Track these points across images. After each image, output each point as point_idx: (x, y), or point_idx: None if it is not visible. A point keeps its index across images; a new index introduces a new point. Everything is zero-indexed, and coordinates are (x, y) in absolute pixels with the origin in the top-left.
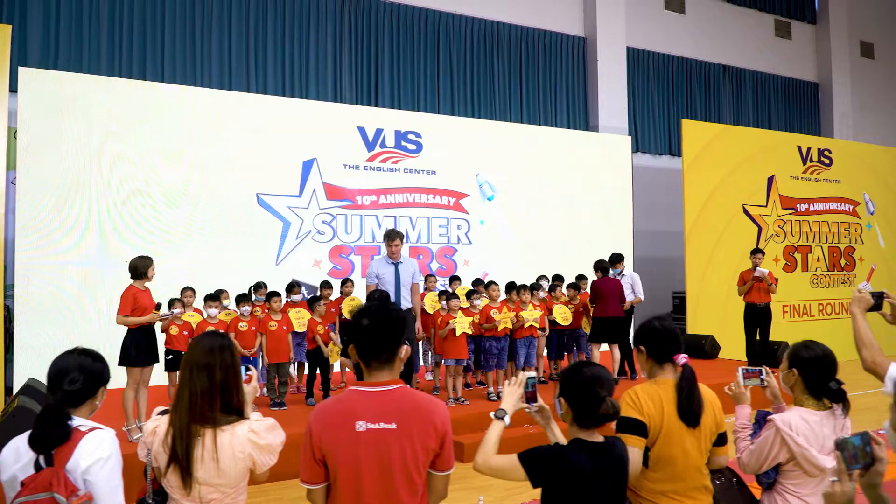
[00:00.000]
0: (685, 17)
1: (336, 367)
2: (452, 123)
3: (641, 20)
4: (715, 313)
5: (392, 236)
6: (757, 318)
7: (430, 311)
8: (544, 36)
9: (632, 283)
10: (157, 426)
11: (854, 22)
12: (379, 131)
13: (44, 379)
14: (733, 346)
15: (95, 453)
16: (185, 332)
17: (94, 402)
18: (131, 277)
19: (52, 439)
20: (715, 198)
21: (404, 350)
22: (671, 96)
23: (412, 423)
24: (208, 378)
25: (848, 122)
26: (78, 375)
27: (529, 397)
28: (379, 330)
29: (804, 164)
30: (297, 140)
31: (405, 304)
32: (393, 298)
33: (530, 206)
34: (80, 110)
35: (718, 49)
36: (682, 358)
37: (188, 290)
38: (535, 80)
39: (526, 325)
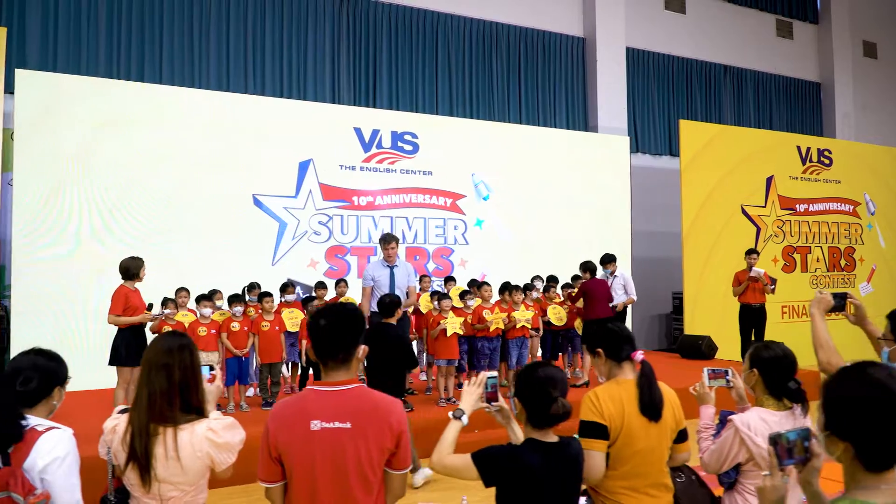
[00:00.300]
0: (685, 17)
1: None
2: (449, 124)
3: (641, 20)
4: (712, 314)
5: (388, 240)
6: (752, 318)
7: (424, 312)
8: (543, 36)
9: (624, 284)
10: (116, 424)
11: (856, 21)
12: (375, 132)
13: None
14: (731, 346)
15: (52, 452)
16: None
17: (50, 402)
18: (122, 278)
19: (6, 439)
20: (713, 198)
21: (362, 350)
22: (671, 97)
23: (367, 423)
24: (167, 378)
25: (850, 122)
26: (32, 374)
27: (490, 397)
28: (335, 330)
29: (803, 164)
30: (294, 141)
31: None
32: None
33: (528, 206)
34: (77, 111)
35: (719, 49)
36: (639, 355)
37: (182, 291)
38: (533, 80)
39: (518, 326)
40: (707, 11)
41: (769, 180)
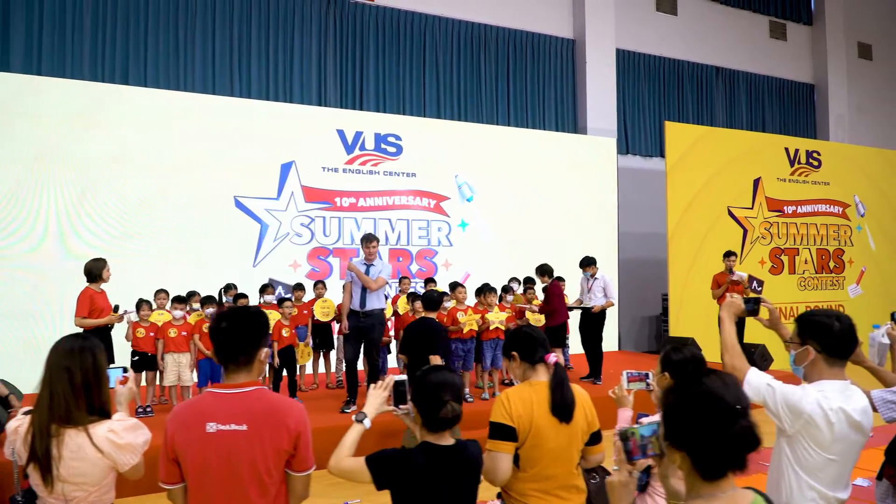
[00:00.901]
0: (677, 19)
1: (308, 369)
2: (433, 126)
3: (632, 22)
4: (698, 315)
5: (369, 239)
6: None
7: (401, 313)
8: (532, 38)
9: (604, 287)
10: (19, 426)
11: (851, 23)
12: (358, 134)
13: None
14: (716, 348)
15: None
16: (152, 334)
17: None
18: (87, 280)
19: None
20: (699, 200)
21: (264, 353)
22: (662, 98)
23: (263, 425)
24: (68, 379)
25: (844, 124)
26: None
27: (398, 400)
28: (236, 333)
29: (791, 165)
30: (276, 143)
31: (370, 304)
32: (358, 299)
33: (512, 208)
34: (49, 112)
35: (711, 51)
36: (552, 357)
37: (161, 293)
38: (522, 82)
39: (492, 328)
40: (699, 13)
41: (756, 182)
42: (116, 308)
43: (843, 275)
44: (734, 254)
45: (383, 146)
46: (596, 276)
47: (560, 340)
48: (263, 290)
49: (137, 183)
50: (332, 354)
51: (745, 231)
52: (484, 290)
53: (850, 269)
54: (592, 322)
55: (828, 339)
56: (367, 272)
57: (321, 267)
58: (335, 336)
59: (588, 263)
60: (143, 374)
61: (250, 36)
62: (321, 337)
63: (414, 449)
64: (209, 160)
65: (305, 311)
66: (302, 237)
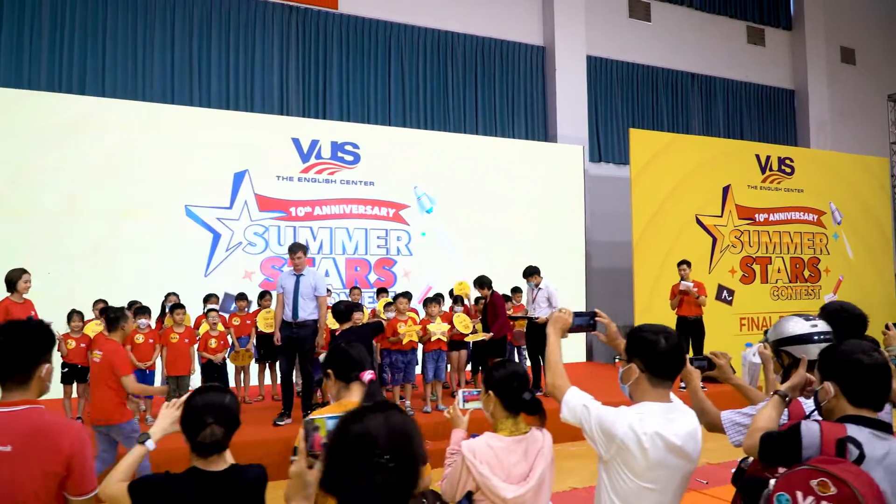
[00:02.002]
0: (651, 25)
1: (253, 380)
2: (391, 134)
3: (603, 29)
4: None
5: (294, 249)
6: (688, 331)
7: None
8: (501, 45)
9: (549, 297)
10: None
11: (833, 27)
12: (314, 142)
13: None
14: None
15: None
16: (83, 345)
17: None
18: (7, 290)
19: None
20: (665, 208)
21: (45, 369)
22: (636, 106)
23: (30, 446)
24: None
25: (826, 130)
26: None
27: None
28: (11, 348)
29: (763, 172)
30: (229, 151)
31: (302, 314)
32: (290, 309)
33: (475, 216)
34: (2, 124)
35: (686, 57)
36: (367, 375)
37: (99, 302)
38: (491, 90)
39: (433, 339)
40: (673, 19)
41: (726, 189)
42: (30, 319)
43: (818, 284)
44: (686, 262)
45: (340, 154)
46: (540, 285)
47: (502, 353)
48: (207, 299)
49: (86, 193)
50: (278, 366)
51: (715, 239)
52: (428, 301)
53: (826, 279)
54: (538, 333)
55: (652, 358)
56: (296, 283)
57: (276, 276)
58: None
59: (531, 273)
60: (74, 385)
61: (210, 45)
62: (266, 348)
63: (180, 475)
64: (160, 169)
65: (249, 322)
66: (256, 246)
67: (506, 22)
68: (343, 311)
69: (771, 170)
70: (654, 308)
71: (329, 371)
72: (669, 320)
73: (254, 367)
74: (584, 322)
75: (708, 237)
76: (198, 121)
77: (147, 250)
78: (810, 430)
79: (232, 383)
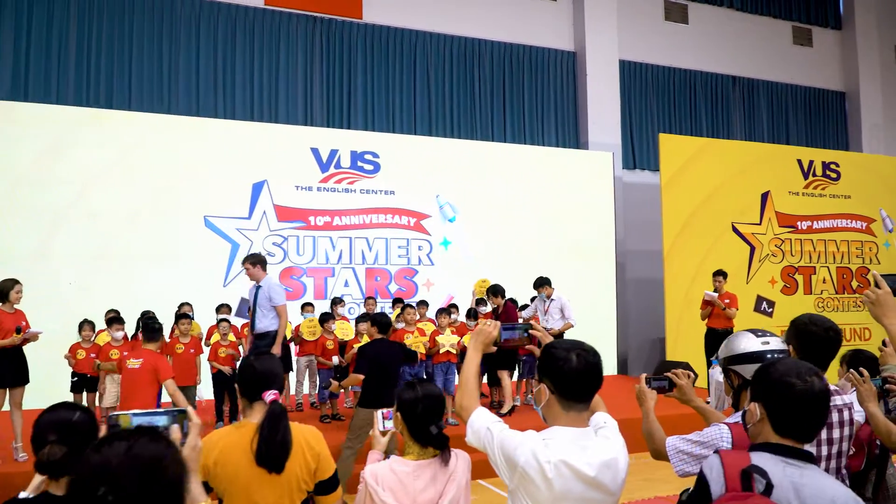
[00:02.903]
0: (688, 28)
1: None
2: (411, 142)
3: (637, 32)
4: (698, 338)
5: (243, 261)
6: (716, 343)
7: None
8: (530, 52)
9: (561, 308)
10: None
11: (886, 25)
12: (334, 152)
13: None
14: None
15: None
16: (93, 355)
17: None
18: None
19: None
20: (699, 216)
21: None
22: (672, 110)
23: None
24: None
25: (880, 133)
26: None
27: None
28: None
29: (806, 178)
30: (248, 162)
31: (260, 325)
32: (250, 319)
33: (499, 226)
34: (24, 137)
35: (727, 59)
36: (269, 395)
37: (111, 312)
38: (519, 97)
39: (442, 351)
40: (712, 21)
41: (764, 196)
42: (18, 330)
43: None
44: (723, 273)
45: (360, 164)
46: (552, 296)
47: (511, 364)
48: (219, 309)
49: (108, 205)
50: (292, 376)
51: (753, 248)
52: (438, 312)
53: None
54: None
55: (561, 378)
56: (255, 294)
57: (294, 287)
58: (293, 358)
59: (541, 284)
60: (84, 395)
61: (234, 57)
62: (281, 358)
63: (32, 499)
64: (180, 180)
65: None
66: (274, 256)
67: (535, 28)
68: (384, 322)
69: (814, 175)
70: (685, 320)
71: (236, 385)
72: (702, 332)
73: None
74: (518, 335)
75: (745, 246)
76: (216, 132)
77: (166, 260)
78: (711, 465)
79: None
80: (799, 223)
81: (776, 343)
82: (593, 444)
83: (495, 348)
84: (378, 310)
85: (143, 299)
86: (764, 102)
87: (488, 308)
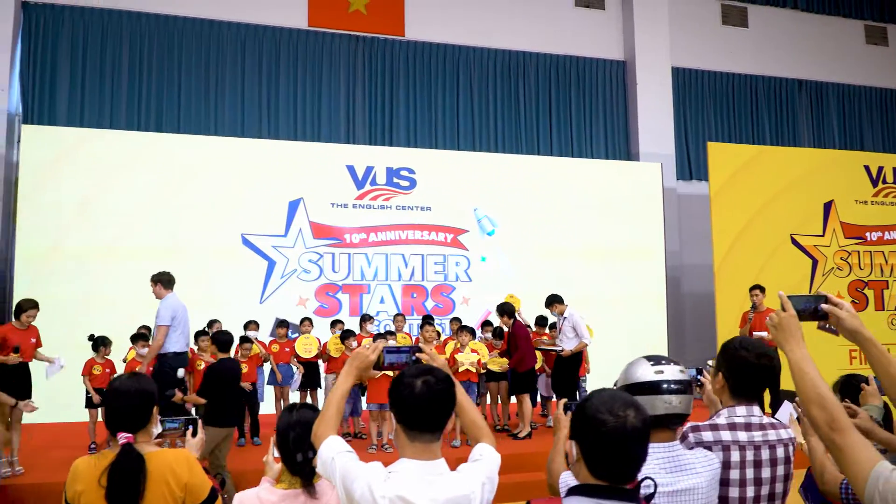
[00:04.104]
0: (748, 31)
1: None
2: (447, 158)
3: (692, 38)
4: None
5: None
6: None
7: (337, 356)
8: (577, 63)
9: (574, 327)
10: None
11: None
12: (369, 169)
13: None
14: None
15: None
16: (108, 371)
17: None
18: (14, 316)
19: None
20: (753, 227)
21: None
22: (732, 118)
23: None
24: None
25: None
26: None
27: None
28: None
29: (875, 186)
30: (284, 180)
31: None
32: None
33: (538, 241)
34: (78, 162)
35: (792, 63)
36: (122, 437)
37: (143, 328)
38: (566, 109)
39: (461, 369)
40: (775, 23)
41: (828, 206)
42: (17, 349)
43: None
44: (760, 288)
45: (396, 180)
46: (564, 314)
47: (530, 387)
48: (246, 326)
49: (146, 223)
50: (320, 393)
51: (815, 261)
52: (459, 329)
53: None
54: (564, 367)
55: (402, 407)
56: (160, 310)
57: (330, 303)
58: (322, 375)
59: (552, 302)
60: (99, 410)
61: (278, 79)
62: (307, 375)
63: None
64: (217, 199)
65: (288, 349)
66: (310, 273)
67: (582, 38)
68: (223, 341)
69: (885, 182)
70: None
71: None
72: None
73: (294, 395)
74: (403, 359)
75: (806, 259)
76: (254, 152)
77: (204, 278)
78: None
79: (272, 409)
80: (868, 234)
81: (672, 372)
82: (443, 479)
83: (380, 373)
84: (406, 328)
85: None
86: (834, 106)
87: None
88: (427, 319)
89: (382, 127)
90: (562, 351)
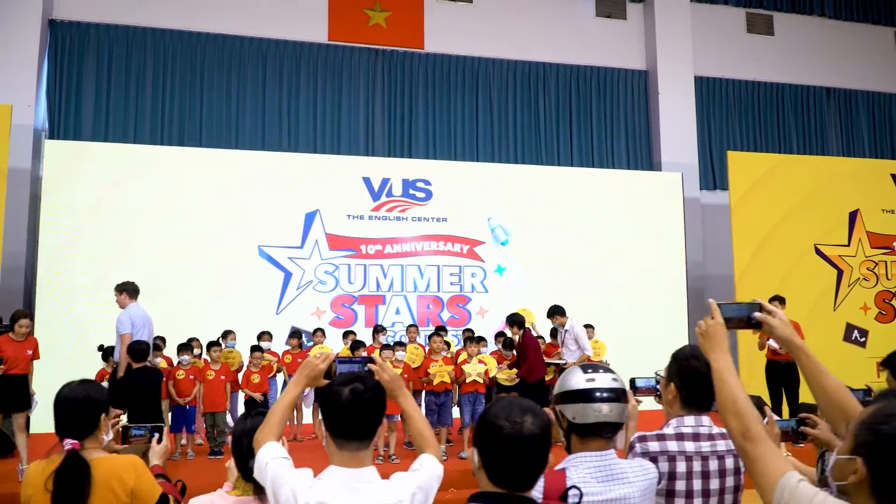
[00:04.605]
0: (774, 39)
1: (307, 418)
2: (463, 169)
3: (717, 47)
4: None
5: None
6: (780, 375)
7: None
8: (598, 73)
9: (576, 339)
10: None
11: None
12: (385, 181)
13: None
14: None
15: None
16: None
17: None
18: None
19: None
20: (775, 238)
21: None
22: (757, 127)
23: None
24: None
25: None
26: None
27: None
28: None
29: None
30: (300, 193)
31: (116, 354)
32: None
33: (556, 252)
34: (96, 174)
35: (820, 71)
36: (68, 444)
37: (158, 340)
38: (587, 120)
39: (468, 381)
40: (802, 31)
41: (853, 215)
42: (2, 360)
43: None
44: (779, 298)
45: (411, 192)
46: (566, 326)
47: (541, 399)
48: (260, 336)
49: (166, 236)
50: None
51: (840, 272)
52: (467, 340)
53: None
54: None
55: (329, 414)
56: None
57: (346, 314)
58: None
59: (553, 314)
60: None
61: (298, 93)
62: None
63: None
64: (234, 212)
65: (300, 360)
66: (326, 284)
67: (603, 48)
68: (138, 350)
69: None
70: (756, 349)
71: None
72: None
73: (307, 410)
74: (355, 369)
75: (831, 269)
76: (271, 164)
77: (221, 289)
78: None
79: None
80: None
81: (604, 380)
82: (370, 487)
83: (327, 381)
84: (420, 338)
85: (198, 326)
86: (864, 114)
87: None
88: (438, 330)
89: (401, 139)
90: (565, 364)
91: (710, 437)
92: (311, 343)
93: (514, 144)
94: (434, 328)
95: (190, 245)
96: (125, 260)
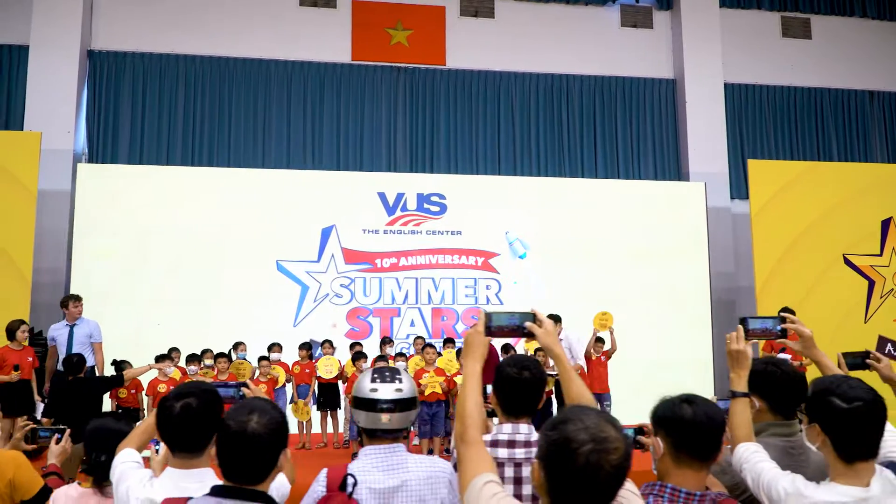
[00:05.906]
0: (811, 43)
1: (316, 427)
2: (478, 182)
3: (749, 53)
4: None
5: (64, 302)
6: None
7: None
8: (623, 83)
9: (569, 348)
10: None
11: None
12: (400, 195)
13: None
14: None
15: None
16: (133, 390)
17: None
18: (7, 339)
19: None
20: (799, 247)
21: None
22: (794, 133)
23: None
24: None
25: None
26: None
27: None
28: None
29: None
30: (317, 208)
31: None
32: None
33: (573, 264)
34: (129, 196)
35: (863, 73)
36: None
37: (174, 351)
38: (612, 131)
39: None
40: (842, 33)
41: (886, 223)
42: (17, 367)
43: None
44: (788, 312)
45: (426, 206)
46: (560, 336)
47: (542, 413)
48: (270, 348)
49: (189, 251)
50: (340, 413)
51: (872, 283)
52: (423, 348)
53: None
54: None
55: (160, 428)
56: (70, 332)
57: (361, 326)
58: (342, 395)
59: None
60: None
61: (322, 112)
62: (327, 396)
63: None
64: (254, 228)
65: (308, 371)
66: (342, 298)
67: (629, 58)
68: (74, 363)
69: None
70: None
71: None
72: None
73: (315, 415)
74: (231, 394)
75: (862, 280)
76: (289, 181)
77: (240, 302)
78: None
79: (294, 430)
80: None
81: (387, 391)
82: (203, 486)
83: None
84: (393, 349)
85: (219, 338)
86: None
87: (607, 346)
88: (447, 342)
89: (423, 155)
90: (557, 375)
91: (528, 444)
92: (321, 354)
93: (537, 158)
94: (439, 341)
95: (213, 260)
96: (151, 276)
